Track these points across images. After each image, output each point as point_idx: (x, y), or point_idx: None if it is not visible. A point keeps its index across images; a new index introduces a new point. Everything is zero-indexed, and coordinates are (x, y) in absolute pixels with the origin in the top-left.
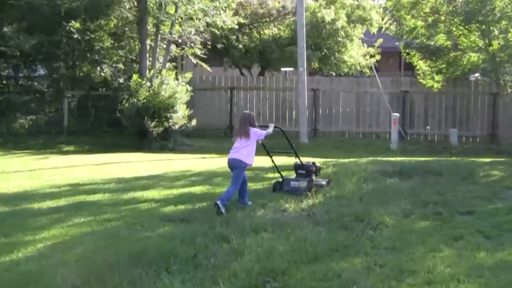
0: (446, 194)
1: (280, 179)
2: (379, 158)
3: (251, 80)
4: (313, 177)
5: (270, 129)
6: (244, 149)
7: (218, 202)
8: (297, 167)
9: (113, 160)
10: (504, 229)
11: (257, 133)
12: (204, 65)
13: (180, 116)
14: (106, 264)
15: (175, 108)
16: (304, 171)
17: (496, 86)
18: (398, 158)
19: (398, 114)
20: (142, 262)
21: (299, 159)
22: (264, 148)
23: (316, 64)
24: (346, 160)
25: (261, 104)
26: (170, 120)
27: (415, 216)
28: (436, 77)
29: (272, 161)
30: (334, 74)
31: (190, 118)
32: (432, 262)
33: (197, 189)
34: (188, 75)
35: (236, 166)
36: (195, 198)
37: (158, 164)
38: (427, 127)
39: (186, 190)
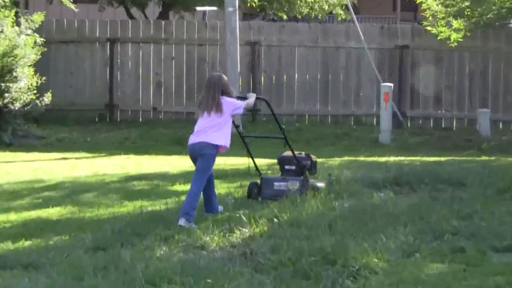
0: (473, 218)
1: (258, 180)
2: (361, 158)
3: (145, 27)
4: (307, 176)
5: (251, 99)
6: (215, 129)
7: (181, 222)
8: (283, 161)
9: None
10: None
11: (233, 105)
12: (65, 0)
13: (23, 87)
14: None
15: (14, 74)
16: (294, 167)
17: None
18: (393, 158)
19: (392, 85)
20: None
21: (290, 147)
22: (237, 132)
23: (256, 1)
24: None
25: (163, 67)
26: (7, 95)
27: (421, 254)
28: (455, 23)
29: (248, 150)
30: (285, 17)
31: (41, 91)
32: None
33: (52, 212)
34: (38, 17)
35: (203, 153)
36: (50, 228)
37: None
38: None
39: (33, 213)
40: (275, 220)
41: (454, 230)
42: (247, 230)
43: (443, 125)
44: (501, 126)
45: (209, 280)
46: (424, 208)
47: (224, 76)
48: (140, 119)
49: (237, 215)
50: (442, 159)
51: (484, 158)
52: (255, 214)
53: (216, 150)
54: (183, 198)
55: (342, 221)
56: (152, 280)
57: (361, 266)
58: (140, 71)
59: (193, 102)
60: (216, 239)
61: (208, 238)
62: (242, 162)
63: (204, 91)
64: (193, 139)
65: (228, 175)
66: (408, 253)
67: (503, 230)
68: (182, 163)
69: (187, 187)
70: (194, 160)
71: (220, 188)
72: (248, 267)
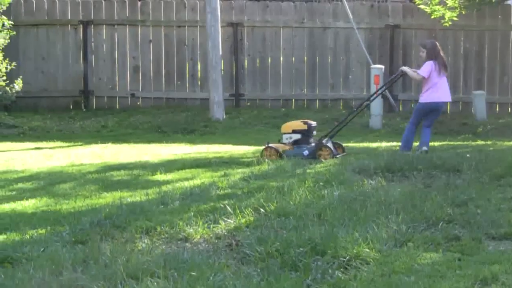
0: (468, 205)
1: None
2: (350, 144)
3: (120, 8)
4: None
5: None
6: (447, 86)
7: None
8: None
9: None
10: None
11: None
12: None
13: None
14: None
15: None
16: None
17: None
18: (384, 144)
19: (382, 67)
20: None
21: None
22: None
23: None
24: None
25: (140, 50)
26: None
27: (414, 243)
28: (450, 1)
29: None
30: None
31: (11, 77)
32: None
33: (27, 204)
34: None
35: (441, 109)
36: (25, 221)
37: None
38: None
39: (7, 206)
40: (262, 210)
41: (449, 218)
42: (232, 221)
43: None
44: (497, 109)
45: (193, 273)
46: (418, 196)
47: None
48: (117, 106)
49: (222, 205)
50: (436, 144)
51: (479, 142)
52: (241, 204)
53: None
54: (164, 188)
55: (332, 210)
56: (134, 274)
57: (352, 256)
58: (116, 55)
59: (173, 87)
60: (200, 231)
61: (191, 230)
62: (225, 150)
63: (437, 54)
64: (439, 96)
65: (211, 164)
66: (401, 242)
67: (499, 218)
68: (163, 152)
69: (168, 176)
70: (431, 112)
71: (204, 177)
72: (234, 259)
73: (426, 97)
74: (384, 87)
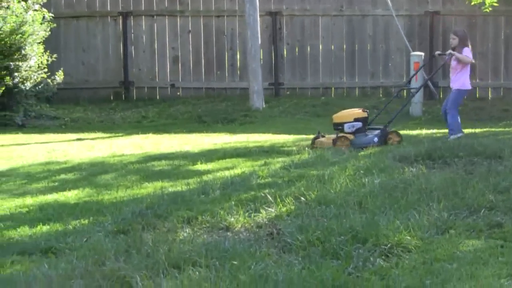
0: (510, 192)
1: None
2: None
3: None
4: None
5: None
6: None
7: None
8: None
9: None
10: None
11: None
12: None
13: (33, 66)
14: None
15: (23, 52)
16: None
17: None
18: (425, 131)
19: (422, 54)
20: None
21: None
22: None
23: None
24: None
25: (180, 41)
26: (16, 74)
27: (456, 231)
28: None
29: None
30: None
31: (52, 69)
32: None
33: (70, 195)
34: None
35: None
36: (68, 212)
37: None
38: None
39: (50, 197)
40: (302, 198)
41: (491, 204)
42: (273, 210)
43: (477, 95)
44: None
45: (235, 262)
46: (459, 183)
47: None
48: (158, 97)
49: (262, 194)
50: (477, 130)
51: None
52: (281, 193)
53: None
54: (205, 177)
55: (373, 198)
56: (176, 263)
57: (394, 244)
58: (156, 46)
59: (212, 77)
60: (241, 220)
61: (232, 219)
62: (265, 139)
63: (468, 43)
64: (470, 83)
65: (252, 153)
66: (443, 229)
67: None
68: (203, 142)
69: (209, 166)
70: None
71: (244, 166)
72: (276, 248)
73: (467, 83)
74: (436, 71)
